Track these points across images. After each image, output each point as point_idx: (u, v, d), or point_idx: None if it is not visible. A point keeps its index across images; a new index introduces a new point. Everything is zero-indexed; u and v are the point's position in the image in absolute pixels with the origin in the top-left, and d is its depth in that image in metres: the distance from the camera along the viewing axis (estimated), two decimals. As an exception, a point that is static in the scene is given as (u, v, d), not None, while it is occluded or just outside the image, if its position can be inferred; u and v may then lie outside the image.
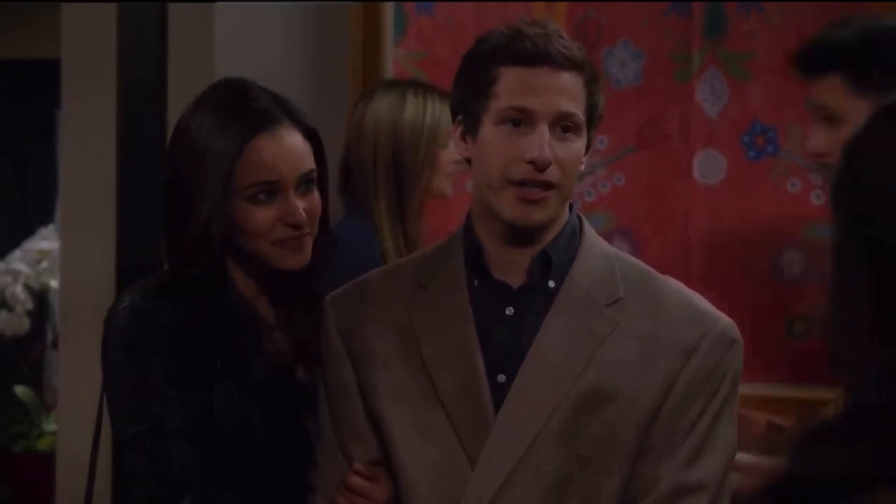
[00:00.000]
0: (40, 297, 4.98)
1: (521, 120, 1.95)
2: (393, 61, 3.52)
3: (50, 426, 4.73)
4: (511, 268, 2.01)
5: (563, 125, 1.96)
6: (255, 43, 3.57)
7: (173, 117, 3.53)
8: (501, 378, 1.97)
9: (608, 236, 3.51)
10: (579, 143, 1.97)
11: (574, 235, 2.04)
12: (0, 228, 5.98)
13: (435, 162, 2.93)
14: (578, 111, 1.96)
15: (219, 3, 3.51)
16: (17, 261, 4.95)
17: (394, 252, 2.88)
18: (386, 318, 2.05)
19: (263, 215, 2.08)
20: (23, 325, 4.92)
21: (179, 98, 3.28)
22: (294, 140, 2.10)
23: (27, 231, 5.24)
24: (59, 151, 5.09)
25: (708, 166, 3.51)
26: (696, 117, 3.52)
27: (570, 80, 1.95)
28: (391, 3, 3.51)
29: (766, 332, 3.39)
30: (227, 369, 2.09)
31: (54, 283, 4.80)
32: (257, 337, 2.14)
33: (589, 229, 2.06)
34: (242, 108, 2.10)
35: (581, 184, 3.53)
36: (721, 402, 1.98)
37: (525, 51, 1.95)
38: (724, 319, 2.01)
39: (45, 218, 5.34)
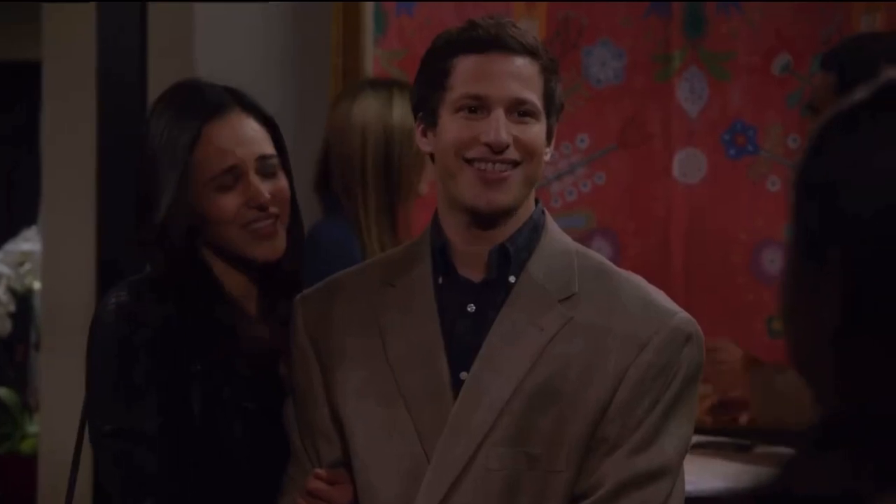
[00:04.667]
0: (23, 298, 4.97)
1: (476, 107, 1.94)
2: (373, 61, 3.52)
3: (33, 428, 4.72)
4: (474, 262, 1.99)
5: (520, 111, 1.94)
6: (235, 42, 3.57)
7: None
8: (463, 375, 1.96)
9: (589, 235, 3.52)
10: (538, 127, 1.95)
11: (536, 230, 2.00)
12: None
13: (424, 162, 2.90)
14: (534, 97, 1.94)
15: (198, 3, 3.51)
16: (-1, 263, 4.95)
17: (381, 251, 2.85)
18: (354, 317, 2.04)
19: (228, 201, 2.08)
20: (5, 326, 4.91)
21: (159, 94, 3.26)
22: (247, 124, 2.11)
23: (12, 233, 5.23)
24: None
25: (688, 165, 3.52)
26: (677, 117, 3.52)
27: (523, 65, 1.94)
28: (371, 3, 3.52)
29: (746, 331, 3.40)
30: (208, 371, 2.09)
31: (38, 285, 4.78)
32: (239, 337, 2.13)
33: (552, 224, 2.03)
34: (194, 101, 2.12)
35: (562, 183, 3.54)
36: (673, 398, 1.93)
37: (477, 37, 1.94)
38: (681, 314, 1.97)
39: (31, 219, 5.32)
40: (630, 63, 3.55)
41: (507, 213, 1.96)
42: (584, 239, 3.37)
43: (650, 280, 2.06)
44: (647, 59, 3.54)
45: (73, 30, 3.71)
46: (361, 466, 1.99)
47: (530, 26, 3.48)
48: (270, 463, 2.10)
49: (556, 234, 2.03)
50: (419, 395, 1.96)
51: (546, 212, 2.04)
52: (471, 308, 1.98)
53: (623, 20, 3.54)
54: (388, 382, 1.98)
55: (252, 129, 2.11)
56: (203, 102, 2.11)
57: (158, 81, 3.46)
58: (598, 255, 2.06)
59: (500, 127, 1.92)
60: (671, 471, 1.94)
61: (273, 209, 2.10)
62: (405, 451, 1.95)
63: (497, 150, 1.92)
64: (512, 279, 1.98)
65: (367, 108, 2.92)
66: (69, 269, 3.77)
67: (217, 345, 2.10)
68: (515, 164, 1.94)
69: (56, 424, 3.76)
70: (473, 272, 1.99)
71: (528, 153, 1.94)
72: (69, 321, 3.66)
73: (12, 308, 4.93)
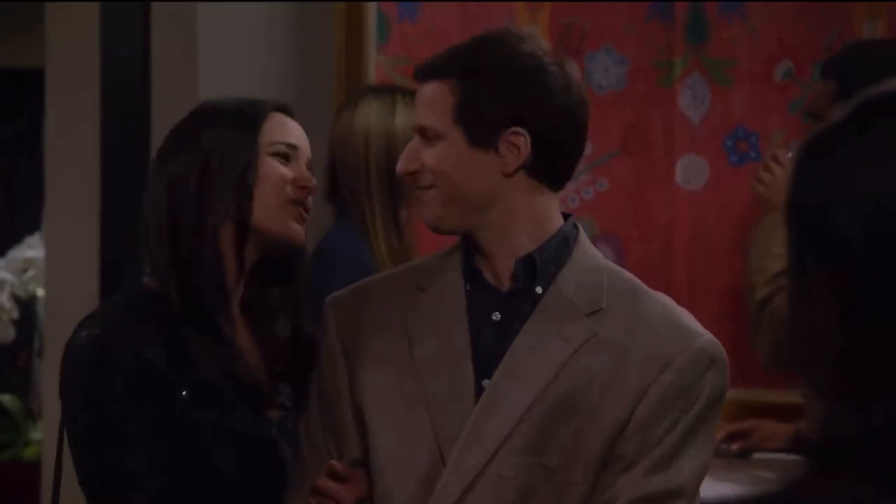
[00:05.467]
0: (27, 305, 4.98)
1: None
2: (376, 67, 3.53)
3: (36, 435, 4.72)
4: (501, 271, 2.00)
5: (425, 136, 2.00)
6: (238, 44, 3.57)
7: (157, 118, 3.53)
8: (486, 383, 1.97)
9: (592, 242, 3.50)
10: (441, 148, 1.98)
11: (566, 243, 2.01)
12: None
13: None
14: (433, 120, 1.98)
15: (201, 4, 3.51)
16: (2, 269, 4.95)
17: (388, 257, 2.85)
18: (384, 320, 2.05)
19: (284, 169, 2.12)
20: (8, 333, 4.92)
21: (163, 97, 3.25)
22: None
23: (15, 239, 5.23)
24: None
25: (691, 171, 3.53)
26: (679, 123, 3.53)
27: (430, 91, 2.00)
28: (373, 4, 3.52)
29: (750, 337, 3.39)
30: (195, 401, 2.04)
31: (41, 292, 4.79)
32: (230, 362, 2.09)
33: (585, 240, 2.03)
34: (254, 101, 2.17)
35: (564, 189, 3.53)
36: (693, 420, 1.93)
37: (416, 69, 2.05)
38: (707, 337, 1.96)
39: (34, 226, 5.33)
40: (632, 69, 3.55)
41: (440, 230, 2.03)
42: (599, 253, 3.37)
43: (653, 286, 2.06)
44: (649, 65, 3.55)
45: (76, 31, 3.71)
46: (381, 469, 1.99)
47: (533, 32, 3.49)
48: (265, 493, 2.08)
49: (588, 250, 2.03)
50: (441, 400, 1.97)
51: (579, 227, 2.05)
52: (496, 317, 1.99)
53: (626, 27, 3.55)
54: (412, 385, 1.99)
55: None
56: (264, 101, 2.18)
57: (161, 84, 3.47)
58: (629, 274, 2.05)
59: (404, 156, 2.01)
60: (687, 493, 1.94)
61: (308, 202, 2.15)
62: (423, 455, 1.96)
63: (401, 176, 2.03)
64: (539, 290, 1.98)
65: (370, 114, 2.92)
66: (72, 276, 3.77)
67: (201, 378, 2.05)
68: (430, 186, 2.00)
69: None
70: (501, 281, 2.00)
71: (434, 174, 1.99)
72: (72, 328, 3.66)
73: (15, 315, 4.93)
